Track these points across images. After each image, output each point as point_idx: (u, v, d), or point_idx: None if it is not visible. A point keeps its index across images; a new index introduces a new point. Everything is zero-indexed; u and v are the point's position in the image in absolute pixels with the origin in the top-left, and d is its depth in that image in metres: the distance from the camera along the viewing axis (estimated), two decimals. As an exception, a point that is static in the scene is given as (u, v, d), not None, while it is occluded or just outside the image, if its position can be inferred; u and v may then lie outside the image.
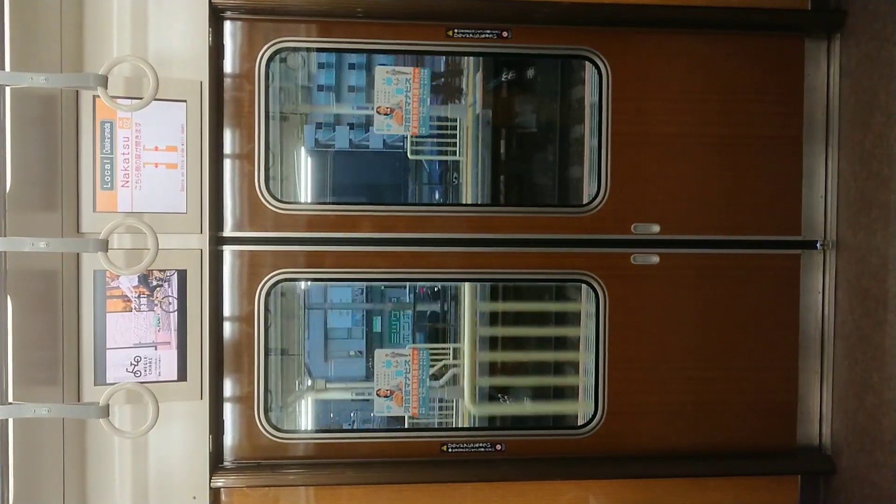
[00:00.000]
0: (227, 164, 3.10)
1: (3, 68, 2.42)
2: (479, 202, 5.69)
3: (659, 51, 3.22)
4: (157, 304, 2.91)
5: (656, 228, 3.24)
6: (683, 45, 3.23)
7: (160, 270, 2.90)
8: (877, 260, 3.01)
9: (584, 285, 3.27)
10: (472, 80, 5.67)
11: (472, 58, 5.53)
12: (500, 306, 5.31)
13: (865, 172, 3.08)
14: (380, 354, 3.35)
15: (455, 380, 5.69)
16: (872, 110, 3.04)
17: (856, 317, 3.13)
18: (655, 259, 3.24)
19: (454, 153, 5.61)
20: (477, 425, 5.11)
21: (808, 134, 3.30)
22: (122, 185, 2.88)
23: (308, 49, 3.38)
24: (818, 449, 3.31)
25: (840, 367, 3.24)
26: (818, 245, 3.29)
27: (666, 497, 3.22)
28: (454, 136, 5.62)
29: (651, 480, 3.21)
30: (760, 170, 3.27)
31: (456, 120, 5.60)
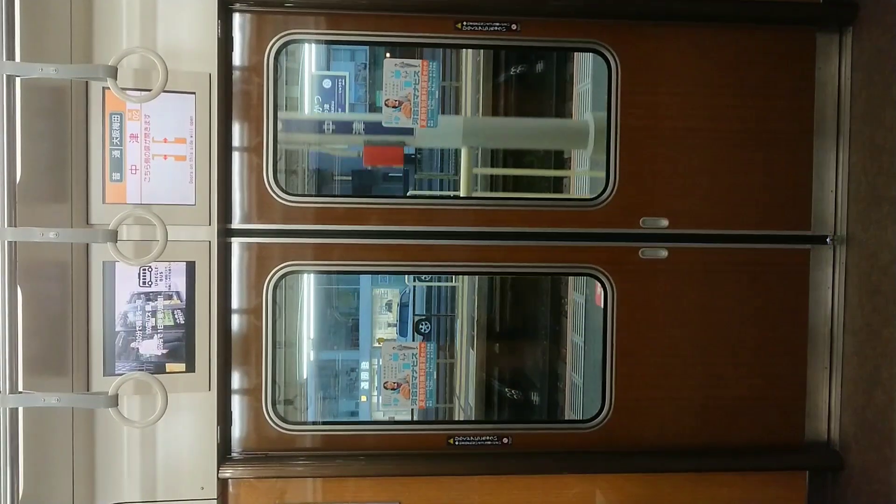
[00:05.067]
0: (236, 157, 3.11)
1: (14, 59, 2.43)
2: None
3: (669, 44, 3.21)
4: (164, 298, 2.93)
5: (665, 223, 3.23)
6: (693, 39, 3.21)
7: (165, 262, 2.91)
8: (887, 255, 2.99)
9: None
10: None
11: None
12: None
13: (876, 167, 3.06)
14: (387, 347, 3.36)
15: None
16: (884, 105, 3.02)
17: (865, 312, 3.11)
18: (664, 253, 3.23)
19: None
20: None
21: (818, 128, 3.28)
22: (131, 177, 2.89)
23: (317, 41, 3.38)
24: (826, 445, 3.30)
25: (849, 363, 3.22)
26: (828, 240, 3.27)
27: (673, 492, 3.22)
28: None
29: (658, 475, 3.21)
30: (770, 164, 3.26)
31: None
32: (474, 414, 5.54)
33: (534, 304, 5.65)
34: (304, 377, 4.92)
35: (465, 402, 5.67)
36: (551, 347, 5.48)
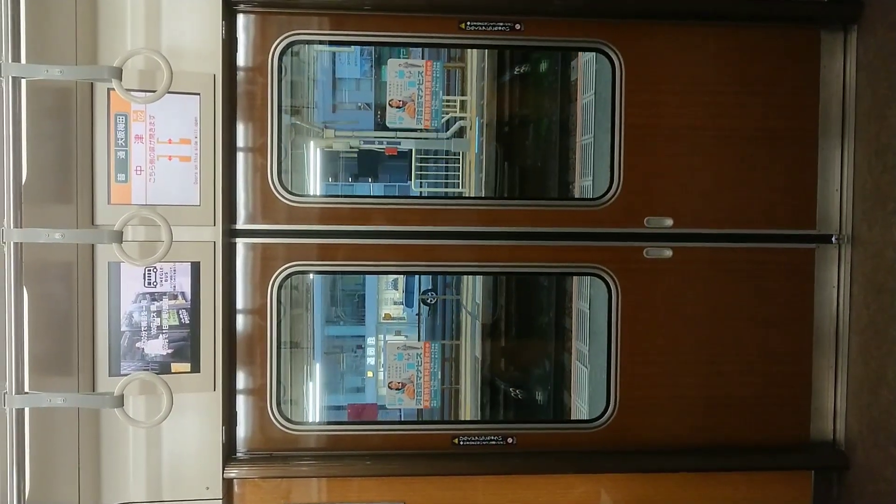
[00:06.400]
0: (240, 157, 3.11)
1: (20, 61, 2.44)
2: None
3: (673, 43, 3.20)
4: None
5: (669, 222, 3.22)
6: (697, 38, 3.21)
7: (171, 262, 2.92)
8: (892, 254, 2.98)
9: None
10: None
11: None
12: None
13: (881, 166, 3.06)
14: (391, 347, 3.37)
15: (462, 132, 5.92)
16: (889, 103, 3.01)
17: (871, 311, 3.11)
18: (668, 253, 3.23)
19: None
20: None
21: (823, 127, 3.27)
22: (136, 178, 2.90)
23: (321, 42, 3.38)
24: (832, 444, 3.29)
25: (854, 362, 3.21)
26: (833, 239, 3.27)
27: (678, 491, 3.21)
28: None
29: (663, 474, 3.20)
30: (775, 163, 3.25)
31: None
32: (481, 315, 5.69)
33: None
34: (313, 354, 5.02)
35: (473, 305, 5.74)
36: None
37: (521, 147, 5.88)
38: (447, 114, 6.17)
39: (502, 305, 5.89)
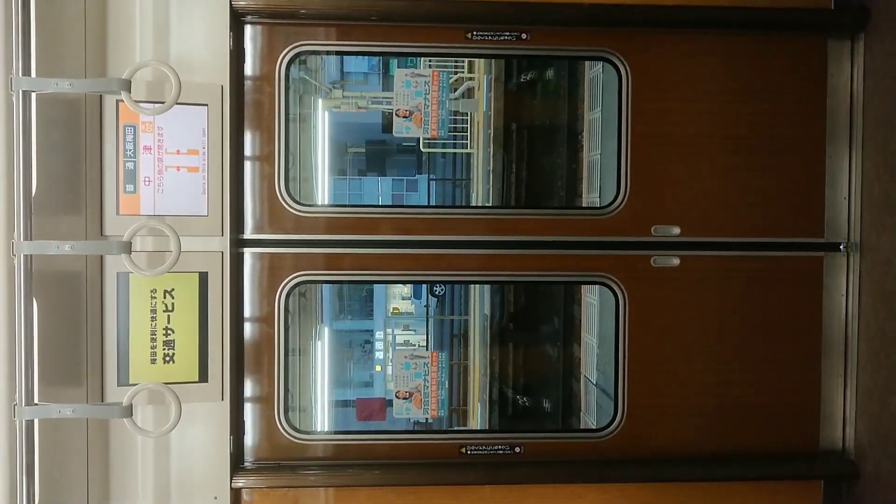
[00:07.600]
0: (248, 167, 3.13)
1: (30, 74, 2.45)
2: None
3: (679, 51, 3.20)
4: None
5: (676, 230, 3.22)
6: (704, 46, 3.20)
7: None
8: (901, 262, 2.97)
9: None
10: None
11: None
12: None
13: (889, 173, 3.04)
14: (399, 356, 3.37)
15: (470, 93, 5.90)
16: (897, 110, 3.00)
17: (880, 320, 3.09)
18: (676, 261, 3.22)
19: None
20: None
21: (831, 134, 3.26)
22: (145, 188, 2.92)
23: (328, 52, 3.40)
24: (841, 453, 3.27)
25: (864, 370, 3.20)
26: (841, 247, 3.25)
27: (686, 501, 3.20)
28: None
29: (671, 484, 3.19)
30: (782, 171, 3.24)
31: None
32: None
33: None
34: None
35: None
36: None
37: (530, 104, 5.87)
38: (455, 74, 6.18)
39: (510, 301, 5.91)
